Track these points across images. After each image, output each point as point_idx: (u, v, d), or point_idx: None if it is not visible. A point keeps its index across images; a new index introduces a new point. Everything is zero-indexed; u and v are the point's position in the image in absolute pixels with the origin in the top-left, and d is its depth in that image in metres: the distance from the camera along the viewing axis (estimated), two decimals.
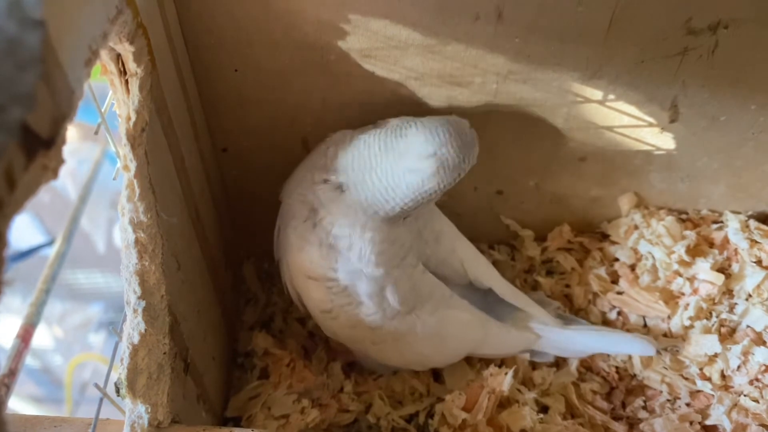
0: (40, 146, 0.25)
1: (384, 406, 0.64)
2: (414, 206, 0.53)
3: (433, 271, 0.62)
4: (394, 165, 0.51)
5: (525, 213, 0.75)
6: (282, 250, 0.59)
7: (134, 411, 0.43)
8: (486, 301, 0.65)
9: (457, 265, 0.64)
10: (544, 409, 0.64)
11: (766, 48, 0.56)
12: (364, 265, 0.55)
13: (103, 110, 0.43)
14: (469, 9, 0.52)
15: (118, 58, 0.41)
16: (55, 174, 0.27)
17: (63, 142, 0.27)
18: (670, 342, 0.66)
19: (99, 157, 1.02)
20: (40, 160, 0.25)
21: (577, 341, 0.65)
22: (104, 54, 0.41)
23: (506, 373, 0.61)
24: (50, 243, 1.15)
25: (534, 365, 0.69)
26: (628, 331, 0.68)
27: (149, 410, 0.43)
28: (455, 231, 0.66)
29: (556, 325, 0.66)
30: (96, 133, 0.42)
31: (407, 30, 0.53)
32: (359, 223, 0.54)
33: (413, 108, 0.60)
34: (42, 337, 1.23)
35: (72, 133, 1.09)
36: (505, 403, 0.62)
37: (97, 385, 0.42)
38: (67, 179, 1.13)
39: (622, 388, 0.66)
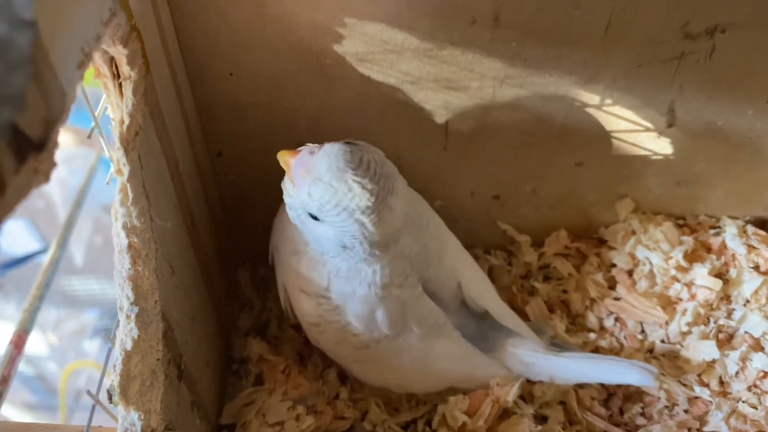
0: (31, 149, 0.25)
1: (380, 414, 0.64)
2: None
3: (432, 292, 0.60)
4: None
5: (522, 218, 0.75)
6: (280, 251, 0.59)
7: (127, 418, 0.43)
8: (480, 328, 0.63)
9: (454, 286, 0.61)
10: (543, 419, 0.64)
11: (763, 52, 0.56)
12: (363, 287, 0.54)
13: (96, 114, 0.42)
14: (465, 13, 0.52)
15: (112, 61, 0.41)
16: (46, 177, 0.26)
17: (55, 145, 0.27)
18: (667, 349, 0.66)
19: (94, 163, 1.02)
20: (31, 163, 0.25)
21: (571, 370, 0.62)
22: (97, 57, 0.40)
23: (513, 385, 0.61)
24: (45, 250, 1.15)
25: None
26: (625, 339, 0.68)
27: (142, 417, 0.43)
28: (459, 248, 0.64)
29: (548, 352, 0.63)
30: (89, 137, 0.42)
31: (403, 34, 0.53)
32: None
33: (409, 112, 0.60)
34: (36, 344, 1.23)
35: (67, 138, 1.09)
36: (504, 414, 0.61)
37: (89, 392, 0.41)
38: (56, 186, 1.12)
39: (620, 394, 0.65)
